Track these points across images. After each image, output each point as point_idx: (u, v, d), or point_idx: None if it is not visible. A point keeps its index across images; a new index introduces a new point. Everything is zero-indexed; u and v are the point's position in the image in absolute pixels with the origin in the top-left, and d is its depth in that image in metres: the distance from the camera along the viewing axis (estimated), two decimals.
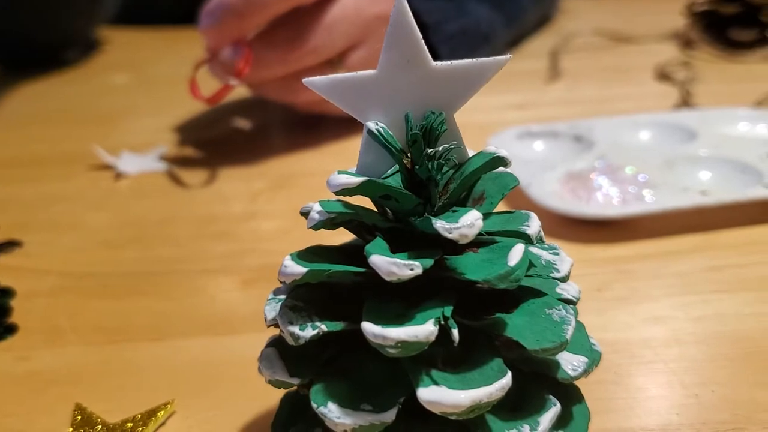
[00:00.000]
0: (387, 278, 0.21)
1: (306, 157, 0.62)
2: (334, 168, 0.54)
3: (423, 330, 0.21)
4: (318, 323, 0.23)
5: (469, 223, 0.22)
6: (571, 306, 0.24)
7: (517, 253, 0.22)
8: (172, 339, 0.39)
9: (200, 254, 0.47)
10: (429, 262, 0.22)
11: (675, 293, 0.41)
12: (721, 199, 0.47)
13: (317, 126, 0.67)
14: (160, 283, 0.44)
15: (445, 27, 0.63)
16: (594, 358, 0.25)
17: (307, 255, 0.24)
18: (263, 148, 0.64)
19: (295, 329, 0.23)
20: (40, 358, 0.38)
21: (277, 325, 0.25)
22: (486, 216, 0.24)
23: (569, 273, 0.25)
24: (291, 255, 0.24)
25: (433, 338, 0.21)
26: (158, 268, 0.46)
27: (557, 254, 0.26)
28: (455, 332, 0.21)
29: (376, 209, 0.26)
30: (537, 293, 0.24)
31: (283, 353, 0.25)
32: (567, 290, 0.26)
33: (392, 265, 0.21)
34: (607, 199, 0.49)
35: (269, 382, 0.25)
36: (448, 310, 0.22)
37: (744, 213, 0.48)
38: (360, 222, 0.25)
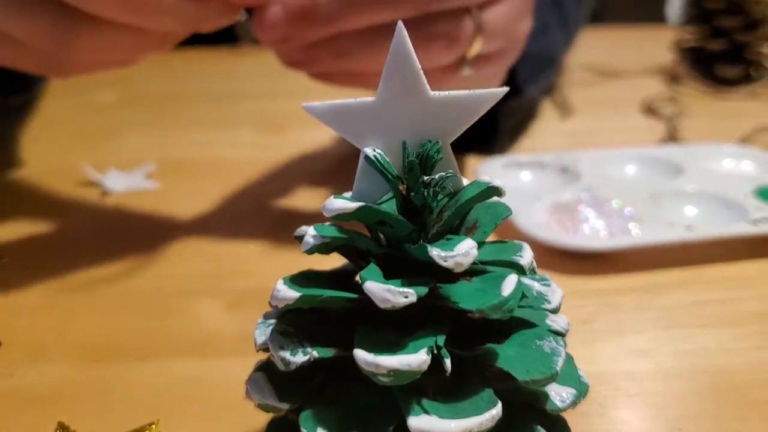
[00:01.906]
0: (381, 305, 0.21)
1: (291, 178, 0.62)
2: (318, 191, 0.54)
3: (416, 359, 0.21)
4: (309, 349, 0.23)
5: (464, 251, 0.22)
6: (561, 337, 0.24)
7: (510, 283, 0.23)
8: (157, 359, 0.39)
9: (186, 274, 0.47)
10: (423, 290, 0.22)
11: (660, 327, 0.41)
12: (706, 234, 0.47)
13: (301, 147, 0.67)
14: (146, 302, 0.44)
15: (530, 46, 0.59)
16: (582, 390, 0.25)
17: (299, 279, 0.24)
18: (249, 169, 0.64)
19: (286, 354, 0.23)
20: (23, 375, 0.37)
21: (267, 350, 0.25)
22: (479, 245, 0.25)
23: (560, 304, 0.26)
24: (284, 279, 0.24)
25: (425, 367, 0.21)
26: (144, 287, 0.46)
27: (548, 285, 0.27)
28: (447, 362, 0.22)
29: (369, 234, 0.26)
30: (528, 324, 0.24)
31: (272, 377, 0.25)
32: (557, 322, 0.26)
33: (387, 292, 0.21)
34: (593, 232, 0.49)
35: (258, 406, 0.25)
36: (441, 340, 0.22)
37: (728, 249, 0.48)
38: (354, 247, 0.25)
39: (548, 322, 0.25)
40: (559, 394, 0.24)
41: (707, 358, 0.38)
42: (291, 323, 0.24)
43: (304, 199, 0.58)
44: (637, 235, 0.48)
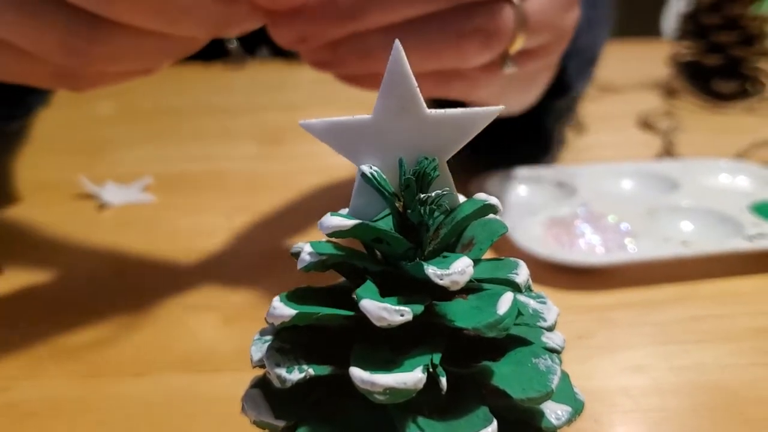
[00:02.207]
0: (377, 323, 0.21)
1: (289, 192, 0.63)
2: (317, 205, 0.54)
3: (411, 377, 0.21)
4: (305, 366, 0.23)
5: (460, 269, 0.22)
6: (557, 355, 0.24)
7: (506, 301, 0.23)
8: (153, 374, 0.39)
9: (182, 288, 0.47)
10: (419, 308, 0.22)
11: (656, 342, 0.41)
12: (702, 250, 0.47)
13: (299, 160, 0.67)
14: (142, 317, 0.44)
15: (577, 40, 0.55)
16: (577, 408, 0.25)
17: (295, 296, 0.24)
18: (246, 182, 0.65)
19: (282, 372, 0.23)
20: (20, 389, 0.37)
21: (263, 366, 0.25)
22: (475, 262, 0.25)
23: (556, 322, 0.26)
24: (280, 296, 0.24)
25: (421, 386, 0.21)
26: (140, 301, 0.46)
27: (544, 303, 0.27)
28: (443, 380, 0.22)
29: (365, 251, 0.26)
30: (523, 341, 0.24)
31: (268, 394, 0.25)
32: (552, 339, 0.26)
33: (383, 311, 0.21)
34: (589, 247, 0.49)
35: (254, 422, 0.25)
36: (436, 358, 0.22)
37: (724, 264, 0.48)
38: (351, 264, 0.25)
39: (544, 339, 0.25)
40: (554, 412, 0.24)
41: (703, 374, 0.38)
42: (287, 340, 0.24)
43: (301, 213, 0.58)
44: (633, 250, 0.48)
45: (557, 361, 0.24)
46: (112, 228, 0.57)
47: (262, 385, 0.26)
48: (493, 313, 0.22)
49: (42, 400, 0.37)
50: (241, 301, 0.46)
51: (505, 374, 0.23)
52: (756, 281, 0.47)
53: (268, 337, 0.26)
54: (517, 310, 0.23)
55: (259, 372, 0.27)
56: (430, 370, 0.22)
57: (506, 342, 0.24)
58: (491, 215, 0.26)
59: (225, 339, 0.42)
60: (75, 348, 0.41)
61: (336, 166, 0.64)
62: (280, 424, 0.24)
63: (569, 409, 0.24)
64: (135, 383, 0.38)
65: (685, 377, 0.38)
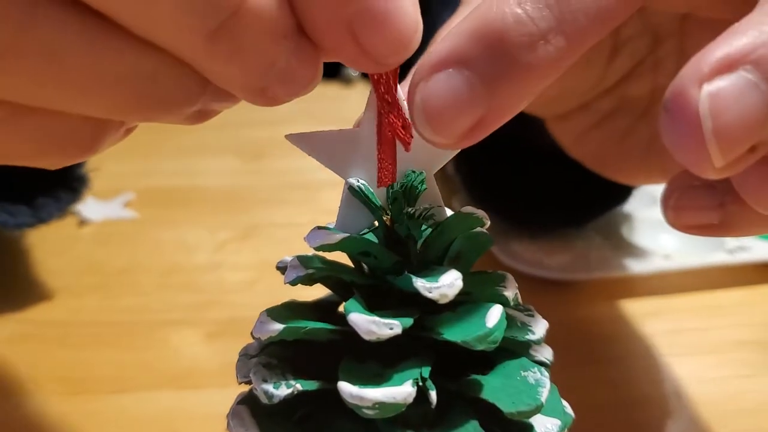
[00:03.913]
0: (366, 337, 0.21)
1: (272, 207, 0.62)
2: (301, 220, 0.54)
3: (401, 391, 0.21)
4: (292, 381, 0.23)
5: (449, 282, 0.22)
6: (545, 368, 0.24)
7: (495, 314, 0.23)
8: (135, 391, 0.38)
9: (164, 305, 0.47)
10: (409, 321, 0.22)
11: (637, 356, 0.41)
12: (684, 263, 0.48)
13: (284, 176, 0.67)
14: (123, 334, 0.44)
15: None
16: (566, 421, 0.25)
17: (282, 311, 0.24)
18: (229, 197, 0.64)
19: (269, 387, 0.23)
20: None
21: (249, 383, 0.25)
22: (462, 276, 0.25)
23: (544, 335, 0.26)
24: (267, 311, 0.24)
25: (411, 400, 0.21)
26: (121, 318, 0.45)
27: (532, 316, 0.26)
28: (433, 394, 0.21)
29: (352, 265, 0.26)
30: (512, 354, 0.24)
31: (254, 410, 0.25)
32: (540, 352, 0.26)
33: (371, 324, 0.21)
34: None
35: None
36: (426, 371, 0.22)
37: (705, 278, 0.49)
38: (338, 278, 0.25)
39: (532, 352, 0.25)
40: (544, 425, 0.24)
41: (686, 386, 0.38)
42: (274, 355, 0.24)
43: (284, 227, 0.58)
44: (614, 264, 0.48)
45: (546, 374, 0.24)
46: (92, 244, 0.56)
47: (248, 401, 0.25)
48: (482, 326, 0.22)
49: (22, 418, 0.36)
50: (224, 316, 0.45)
51: (494, 387, 0.23)
52: (736, 294, 0.47)
53: (254, 353, 0.26)
54: (506, 322, 0.23)
55: (245, 388, 0.27)
56: (420, 383, 0.21)
57: (494, 355, 0.24)
58: (478, 228, 0.26)
59: (208, 355, 0.41)
60: (55, 365, 0.41)
61: (318, 181, 0.64)
62: None
63: (558, 422, 0.24)
64: (116, 401, 0.38)
65: (667, 390, 0.38)
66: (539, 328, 0.26)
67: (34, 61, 0.19)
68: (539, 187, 0.48)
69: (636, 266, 0.48)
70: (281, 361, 0.24)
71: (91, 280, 0.50)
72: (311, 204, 0.63)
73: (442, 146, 0.23)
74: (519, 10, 0.22)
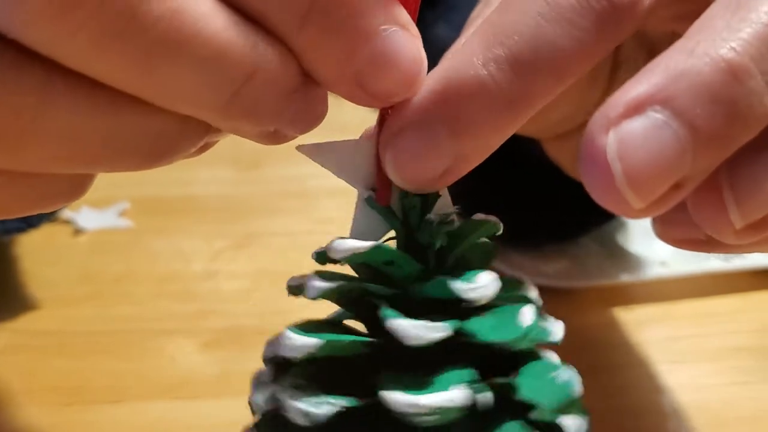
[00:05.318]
0: (413, 342, 0.21)
1: (269, 216, 0.62)
2: (298, 228, 0.53)
3: (458, 395, 0.21)
4: (332, 400, 0.22)
5: (485, 283, 0.22)
6: (569, 368, 0.25)
7: (527, 314, 0.23)
8: (130, 401, 0.38)
9: (159, 314, 0.47)
10: (454, 323, 0.22)
11: (633, 363, 0.41)
12: (679, 270, 0.48)
13: (280, 185, 0.67)
14: (118, 343, 0.43)
15: None
16: (588, 420, 0.25)
17: (309, 327, 0.24)
18: (225, 206, 0.64)
19: (309, 407, 0.22)
20: None
21: (274, 411, 0.23)
22: None
23: (563, 336, 0.26)
24: (290, 329, 0.23)
25: (469, 402, 0.21)
26: (116, 327, 0.45)
27: (546, 319, 0.26)
28: (489, 395, 0.22)
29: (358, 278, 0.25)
30: (536, 356, 0.25)
31: None
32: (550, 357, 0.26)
33: (417, 329, 0.21)
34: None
35: None
36: (472, 374, 0.22)
37: (701, 284, 0.49)
38: (362, 290, 0.24)
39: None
40: (575, 424, 0.24)
41: (683, 394, 0.38)
42: (301, 376, 0.23)
43: (282, 236, 0.58)
44: (608, 271, 0.48)
45: (573, 372, 0.25)
46: (87, 253, 0.56)
47: (266, 426, 0.24)
48: (518, 327, 0.22)
49: (16, 429, 0.36)
50: (220, 325, 0.45)
51: (530, 387, 0.23)
52: (732, 300, 0.47)
53: (270, 378, 0.24)
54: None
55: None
56: (474, 386, 0.21)
57: (520, 357, 0.24)
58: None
59: (204, 364, 0.41)
60: (49, 375, 0.40)
61: (315, 190, 0.64)
62: None
63: (585, 421, 0.25)
64: (111, 411, 0.37)
65: (664, 398, 0.38)
66: (557, 330, 0.26)
67: (52, 140, 0.20)
68: (531, 202, 0.48)
69: (632, 274, 0.48)
70: (310, 382, 0.23)
71: (85, 290, 0.50)
72: (308, 213, 0.62)
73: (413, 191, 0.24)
74: (484, 72, 0.22)
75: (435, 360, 0.22)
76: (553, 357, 0.26)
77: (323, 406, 0.22)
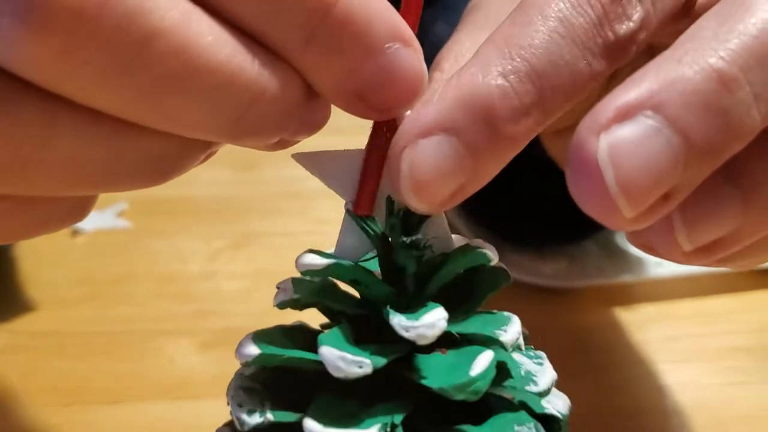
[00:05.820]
0: (334, 374, 0.20)
1: (267, 216, 0.62)
2: (296, 229, 0.53)
3: None
4: (267, 411, 0.22)
5: (429, 323, 0.21)
6: (552, 423, 0.23)
7: (482, 361, 0.21)
8: (129, 402, 0.38)
9: (158, 314, 0.47)
10: (381, 360, 0.20)
11: (633, 363, 0.41)
12: (678, 270, 0.48)
13: (278, 185, 0.67)
14: (117, 344, 0.43)
15: None
16: None
17: (270, 333, 0.23)
18: (223, 207, 0.64)
19: (243, 414, 0.22)
20: None
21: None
22: (466, 314, 0.23)
23: (549, 388, 0.24)
24: (253, 333, 0.23)
25: None
26: (115, 328, 0.45)
27: (541, 365, 0.25)
28: None
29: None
30: (509, 406, 0.23)
31: None
32: (554, 403, 0.24)
33: (340, 360, 0.20)
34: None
35: None
36: (398, 418, 0.21)
37: (701, 284, 0.48)
38: (326, 306, 0.24)
39: (544, 403, 0.23)
40: None
41: (682, 394, 0.38)
42: (258, 380, 0.23)
43: (280, 236, 0.58)
44: (608, 271, 0.48)
45: (542, 430, 0.22)
46: (85, 254, 0.56)
47: (231, 425, 0.24)
48: (465, 373, 0.21)
49: (16, 430, 0.36)
50: (219, 326, 0.45)
51: None
52: (730, 300, 0.47)
53: (248, 374, 0.24)
54: (505, 370, 0.22)
55: None
56: (388, 430, 0.20)
57: (491, 404, 0.22)
58: (496, 263, 0.25)
59: (203, 365, 0.41)
60: (48, 376, 0.40)
61: (313, 190, 0.64)
62: None
63: None
64: (110, 411, 0.37)
65: (663, 398, 0.38)
66: (544, 379, 0.24)
67: (54, 167, 0.20)
68: (532, 205, 0.48)
69: (630, 273, 0.48)
70: (264, 387, 0.23)
71: (84, 290, 0.50)
72: (306, 213, 0.62)
73: (421, 212, 0.23)
74: (505, 83, 0.22)
75: (375, 393, 0.22)
76: (557, 404, 0.24)
77: (255, 416, 0.22)
